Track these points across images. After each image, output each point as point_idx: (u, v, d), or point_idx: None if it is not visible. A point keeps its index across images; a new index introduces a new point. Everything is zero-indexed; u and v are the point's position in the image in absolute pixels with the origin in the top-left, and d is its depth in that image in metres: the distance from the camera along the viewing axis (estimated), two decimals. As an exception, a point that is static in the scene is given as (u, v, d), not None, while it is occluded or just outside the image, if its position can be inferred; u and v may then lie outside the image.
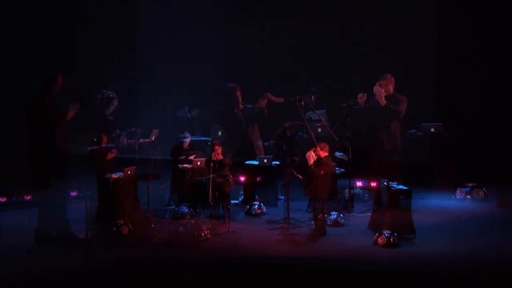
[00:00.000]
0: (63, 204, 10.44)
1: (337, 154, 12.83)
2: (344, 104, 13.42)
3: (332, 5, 16.69)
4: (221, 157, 11.63)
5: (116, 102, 15.42)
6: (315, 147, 11.10)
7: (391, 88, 13.92)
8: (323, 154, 10.81)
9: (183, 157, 12.57)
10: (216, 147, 11.73)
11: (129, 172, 11.21)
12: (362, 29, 16.41)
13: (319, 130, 14.44)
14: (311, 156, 10.80)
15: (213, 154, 11.59)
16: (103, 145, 11.48)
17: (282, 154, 13.91)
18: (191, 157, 12.47)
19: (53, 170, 10.17)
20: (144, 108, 17.21)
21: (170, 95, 16.69)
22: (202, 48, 17.12)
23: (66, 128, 10.48)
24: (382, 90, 13.79)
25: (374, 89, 13.66)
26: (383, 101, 13.07)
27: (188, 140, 12.85)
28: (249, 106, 15.66)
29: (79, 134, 12.71)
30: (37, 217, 10.44)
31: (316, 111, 14.82)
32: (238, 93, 15.42)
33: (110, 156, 11.47)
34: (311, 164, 10.77)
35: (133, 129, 15.32)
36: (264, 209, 12.13)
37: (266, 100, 15.47)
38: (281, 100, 15.52)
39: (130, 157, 13.45)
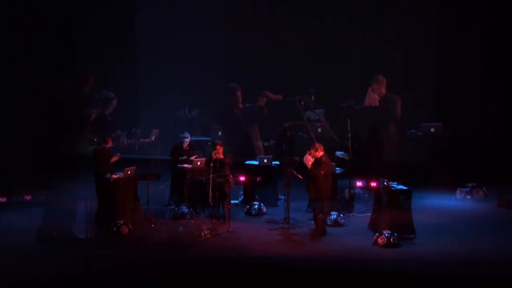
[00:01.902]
0: (75, 204, 10.42)
1: (338, 153, 12.83)
2: (344, 104, 13.44)
3: (331, 5, 16.68)
4: (221, 156, 11.60)
5: (115, 102, 15.43)
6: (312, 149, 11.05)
7: (383, 90, 14.23)
8: (319, 154, 10.78)
9: (184, 157, 12.55)
10: (218, 147, 11.68)
11: (129, 172, 11.22)
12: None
13: (319, 130, 14.51)
14: (308, 159, 10.77)
15: (213, 153, 11.55)
16: (108, 146, 11.46)
17: (282, 154, 13.93)
18: (193, 158, 12.44)
19: (72, 169, 10.14)
20: (144, 108, 17.21)
21: (170, 95, 16.70)
22: (202, 49, 17.12)
23: (88, 129, 10.52)
24: (375, 96, 14.12)
25: (367, 97, 13.96)
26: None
27: (187, 140, 12.83)
28: (248, 105, 15.70)
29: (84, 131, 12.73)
30: (37, 217, 10.43)
31: (316, 111, 14.89)
32: (239, 93, 15.48)
33: (114, 159, 11.47)
34: (310, 167, 10.73)
35: (133, 130, 15.36)
36: (264, 209, 12.12)
37: (265, 99, 15.53)
38: (280, 97, 15.60)
39: (130, 157, 13.47)
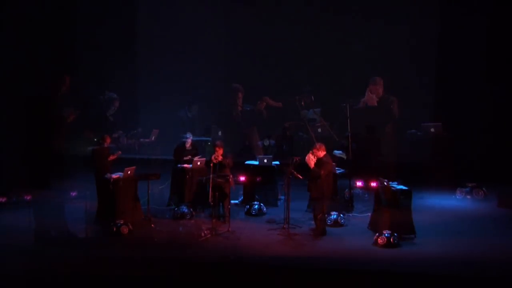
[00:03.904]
0: (60, 204, 10.42)
1: (336, 152, 12.83)
2: (344, 104, 13.47)
3: (332, 5, 16.67)
4: (220, 158, 11.54)
5: (117, 103, 15.53)
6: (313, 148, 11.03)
7: (380, 91, 14.45)
8: (321, 153, 10.76)
9: (188, 156, 12.52)
10: (217, 148, 11.64)
11: (129, 172, 11.21)
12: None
13: (319, 130, 14.54)
14: (311, 159, 10.75)
15: (213, 157, 11.47)
16: (106, 145, 11.46)
17: (282, 154, 13.94)
18: (196, 158, 12.40)
19: (50, 169, 10.15)
20: (144, 108, 17.22)
21: (170, 95, 16.70)
22: (202, 49, 17.12)
23: (66, 129, 10.50)
24: (373, 96, 14.28)
25: (365, 97, 14.11)
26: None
27: (190, 140, 12.81)
28: (248, 108, 15.75)
29: (80, 134, 12.72)
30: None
31: (315, 110, 14.94)
32: (240, 94, 15.57)
33: (112, 157, 11.46)
34: (313, 167, 10.70)
35: (135, 131, 15.40)
36: (264, 209, 12.12)
37: (264, 103, 15.60)
38: (280, 104, 15.70)
39: (130, 157, 13.47)
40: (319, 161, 10.73)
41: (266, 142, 14.24)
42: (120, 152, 11.59)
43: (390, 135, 14.52)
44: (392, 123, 14.57)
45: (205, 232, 10.49)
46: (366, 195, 12.89)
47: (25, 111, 10.40)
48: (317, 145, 10.85)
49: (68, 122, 10.53)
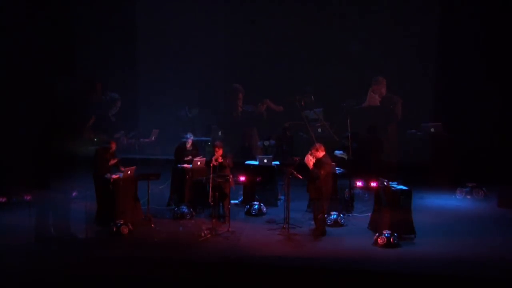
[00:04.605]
0: (61, 204, 10.42)
1: (337, 152, 12.84)
2: (345, 104, 13.49)
3: (332, 5, 16.67)
4: (220, 160, 11.49)
5: (119, 104, 15.58)
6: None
7: (383, 90, 14.45)
8: (320, 154, 10.75)
9: (189, 157, 12.51)
10: (217, 149, 11.58)
11: (129, 172, 11.21)
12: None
13: (319, 130, 14.56)
14: (310, 160, 10.75)
15: (213, 159, 11.42)
16: (111, 150, 11.43)
17: (282, 154, 13.94)
18: (197, 158, 12.39)
19: (50, 169, 10.15)
20: (144, 108, 17.23)
21: (170, 95, 16.71)
22: (201, 49, 17.13)
23: (85, 132, 10.56)
24: (376, 96, 14.27)
25: (368, 97, 14.10)
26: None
27: (190, 140, 12.79)
28: (249, 110, 15.78)
29: (80, 134, 12.72)
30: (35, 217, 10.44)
31: (315, 110, 14.94)
32: (240, 95, 15.60)
33: (113, 162, 11.45)
34: (312, 167, 10.70)
35: (134, 131, 15.41)
36: (264, 209, 12.12)
37: (265, 105, 15.63)
38: (280, 108, 15.74)
39: (131, 157, 13.48)
40: (318, 161, 10.72)
41: (266, 143, 14.22)
42: (124, 170, 11.43)
43: (392, 135, 14.51)
44: (394, 123, 14.56)
45: (205, 232, 10.49)
46: (366, 195, 12.89)
47: (53, 114, 10.40)
48: (316, 145, 10.84)
49: (88, 126, 10.58)
